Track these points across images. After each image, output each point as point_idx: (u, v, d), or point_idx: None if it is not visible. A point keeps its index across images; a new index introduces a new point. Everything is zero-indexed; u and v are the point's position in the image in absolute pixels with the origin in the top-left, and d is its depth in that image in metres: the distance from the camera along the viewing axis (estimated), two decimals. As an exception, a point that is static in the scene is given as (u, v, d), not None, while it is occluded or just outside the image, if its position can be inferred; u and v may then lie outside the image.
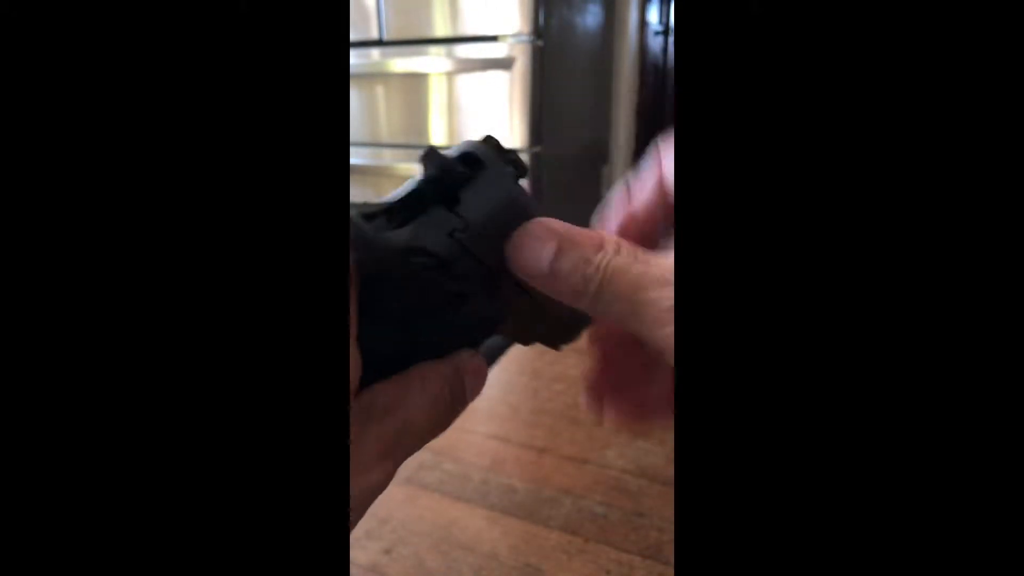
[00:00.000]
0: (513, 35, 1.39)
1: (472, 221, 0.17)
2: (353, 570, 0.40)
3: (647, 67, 1.89)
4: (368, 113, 1.60)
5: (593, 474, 0.48)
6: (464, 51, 1.44)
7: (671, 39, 1.91)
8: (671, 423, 0.17)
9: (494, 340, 0.21)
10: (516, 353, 0.65)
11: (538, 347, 0.22)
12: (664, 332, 0.15)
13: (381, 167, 1.64)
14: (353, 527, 0.15)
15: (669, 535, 0.42)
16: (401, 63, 1.51)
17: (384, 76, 1.55)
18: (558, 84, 1.51)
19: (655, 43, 1.90)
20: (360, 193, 1.63)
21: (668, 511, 0.44)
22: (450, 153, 0.18)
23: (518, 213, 0.17)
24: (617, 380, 0.22)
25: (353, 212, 0.16)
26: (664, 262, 0.16)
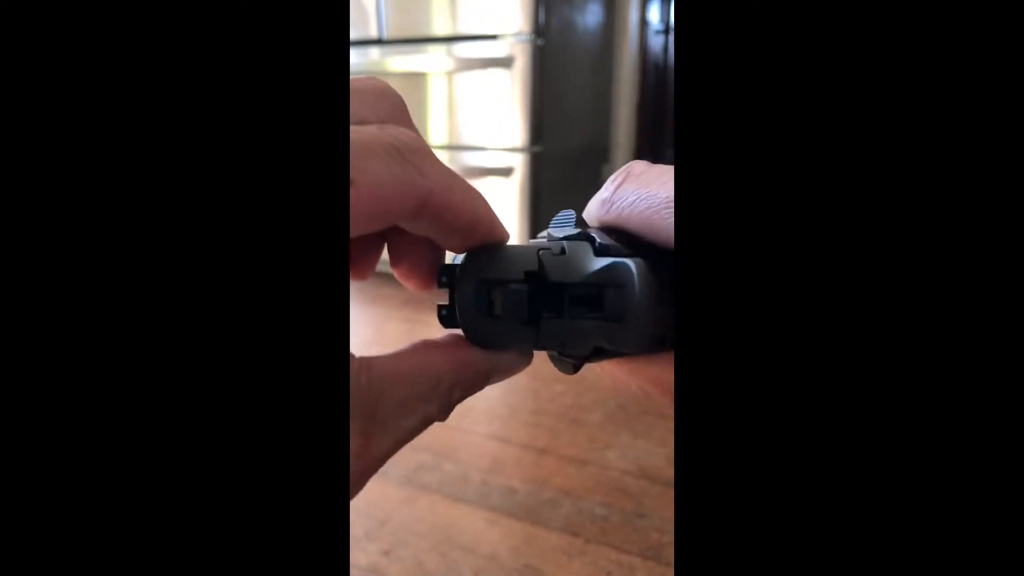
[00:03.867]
0: (513, 34, 1.38)
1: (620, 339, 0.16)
2: (353, 571, 0.41)
3: (648, 66, 1.89)
4: (368, 112, 1.60)
5: (594, 475, 0.48)
6: (464, 50, 1.44)
7: (672, 38, 1.91)
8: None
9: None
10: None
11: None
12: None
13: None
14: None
15: (669, 536, 0.42)
16: (401, 62, 1.51)
17: (384, 75, 1.55)
18: (558, 83, 1.51)
19: (656, 42, 1.90)
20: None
21: (668, 512, 0.44)
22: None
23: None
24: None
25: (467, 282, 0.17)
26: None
